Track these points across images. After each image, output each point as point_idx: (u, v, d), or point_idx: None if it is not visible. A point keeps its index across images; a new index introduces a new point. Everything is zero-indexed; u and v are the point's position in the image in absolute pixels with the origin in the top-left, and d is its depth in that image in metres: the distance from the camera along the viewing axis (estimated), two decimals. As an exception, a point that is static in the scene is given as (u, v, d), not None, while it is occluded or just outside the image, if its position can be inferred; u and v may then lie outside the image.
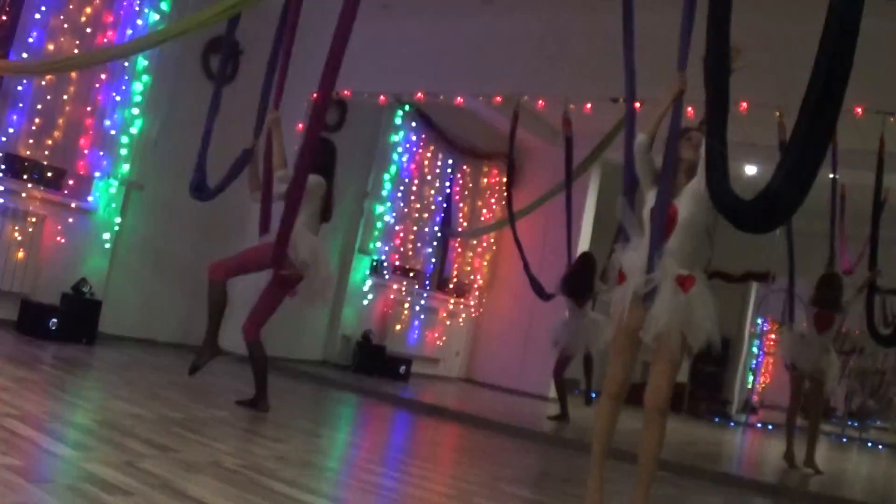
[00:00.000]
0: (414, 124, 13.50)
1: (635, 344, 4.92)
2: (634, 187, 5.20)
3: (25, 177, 9.09)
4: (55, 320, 8.96)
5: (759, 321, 19.43)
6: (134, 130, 9.95)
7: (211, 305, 6.98)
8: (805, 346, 9.06)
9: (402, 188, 13.47)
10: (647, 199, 5.02)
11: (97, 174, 9.71)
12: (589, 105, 10.04)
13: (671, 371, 4.78)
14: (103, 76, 9.63)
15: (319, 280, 6.89)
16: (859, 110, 8.42)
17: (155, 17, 9.96)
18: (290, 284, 6.85)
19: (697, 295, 4.73)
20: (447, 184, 14.51)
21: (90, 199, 9.75)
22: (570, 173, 10.46)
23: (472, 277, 15.16)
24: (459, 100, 11.52)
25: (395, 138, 13.26)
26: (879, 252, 9.47)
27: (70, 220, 9.60)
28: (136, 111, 9.95)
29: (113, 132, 9.76)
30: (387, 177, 13.20)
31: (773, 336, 20.07)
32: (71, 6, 9.27)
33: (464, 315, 15.15)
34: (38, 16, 9.01)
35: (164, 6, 10.03)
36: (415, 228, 13.88)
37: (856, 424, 17.06)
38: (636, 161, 5.07)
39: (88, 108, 9.54)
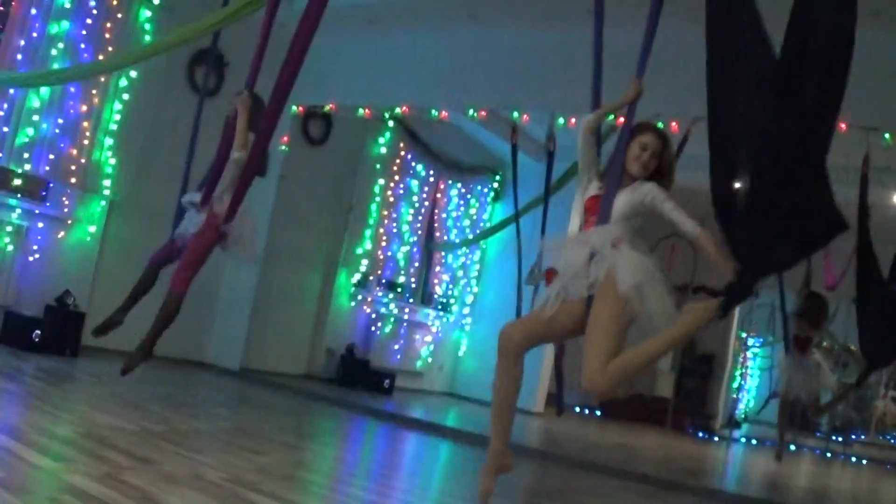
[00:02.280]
0: (398, 138, 13.51)
1: (549, 333, 4.94)
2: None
3: (9, 187, 9.06)
4: (38, 332, 8.93)
5: (743, 336, 19.47)
6: (119, 142, 9.92)
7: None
8: (797, 371, 9.12)
9: (386, 202, 13.47)
10: (584, 186, 5.05)
11: (81, 186, 9.68)
12: (573, 119, 10.05)
13: (605, 327, 4.55)
14: (92, 90, 9.61)
15: (247, 230, 6.74)
16: (843, 126, 8.46)
17: (143, 30, 9.98)
18: (219, 235, 6.64)
19: (629, 250, 4.67)
20: (431, 197, 14.50)
21: (74, 210, 9.72)
22: (548, 189, 10.46)
23: (455, 291, 15.15)
24: (444, 114, 11.53)
25: (380, 151, 13.26)
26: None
27: (54, 231, 9.57)
28: (121, 123, 9.92)
29: (98, 143, 9.73)
30: (371, 190, 13.19)
31: (755, 351, 20.17)
32: (60, 20, 9.26)
33: (448, 329, 15.14)
34: (26, 28, 9.00)
35: (147, 26, 10.05)
36: (399, 242, 13.87)
37: (840, 439, 17.11)
38: (578, 139, 5.06)
39: (73, 120, 9.52)
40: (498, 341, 4.93)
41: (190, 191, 7.07)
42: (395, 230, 13.73)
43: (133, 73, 9.98)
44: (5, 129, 8.97)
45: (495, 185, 15.47)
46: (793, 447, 15.55)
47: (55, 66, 9.18)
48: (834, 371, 10.04)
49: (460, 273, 15.18)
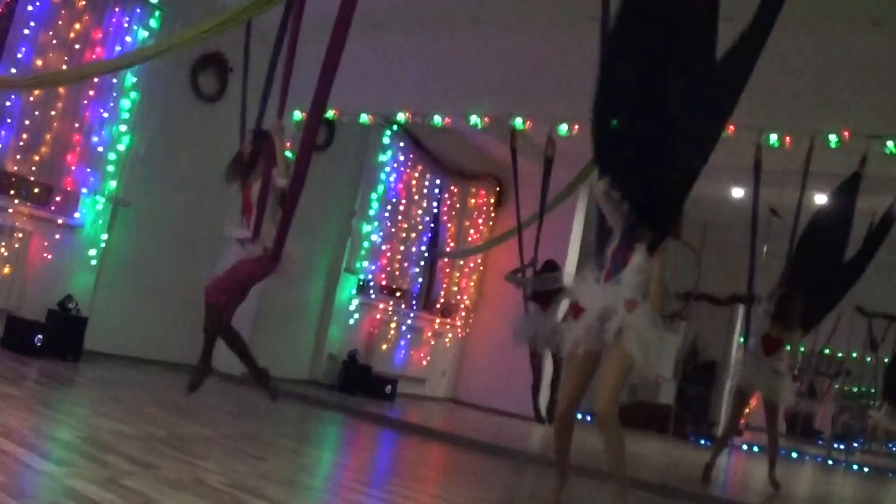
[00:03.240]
0: (402, 144, 13.52)
1: (586, 370, 5.48)
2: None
3: (12, 192, 9.08)
4: (40, 337, 8.94)
5: (745, 343, 19.39)
6: (121, 147, 9.94)
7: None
8: (754, 367, 9.02)
9: (389, 208, 13.47)
10: (614, 236, 5.51)
11: (84, 190, 9.69)
12: (577, 126, 10.05)
13: (612, 383, 5.25)
14: (91, 92, 9.62)
15: (292, 263, 6.83)
16: (846, 134, 8.46)
17: (144, 34, 9.98)
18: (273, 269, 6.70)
19: (643, 315, 5.22)
20: (434, 204, 14.51)
21: (77, 215, 9.72)
22: (545, 195, 10.46)
23: (458, 298, 15.15)
24: (447, 120, 11.53)
25: (383, 158, 13.27)
26: (867, 274, 9.50)
27: (57, 236, 9.58)
28: (123, 128, 9.94)
29: (100, 149, 9.75)
30: (374, 196, 13.20)
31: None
32: (60, 22, 9.28)
33: (450, 335, 15.14)
34: (26, 31, 9.02)
35: (153, 23, 10.05)
36: (402, 248, 13.87)
37: (842, 447, 17.07)
38: (600, 205, 5.64)
39: (76, 125, 9.53)
40: (557, 419, 5.78)
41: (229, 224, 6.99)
42: (397, 236, 13.73)
43: (136, 79, 9.98)
44: (7, 132, 8.97)
45: (498, 190, 15.46)
46: (794, 454, 15.54)
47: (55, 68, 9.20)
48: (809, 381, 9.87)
49: (463, 279, 15.17)
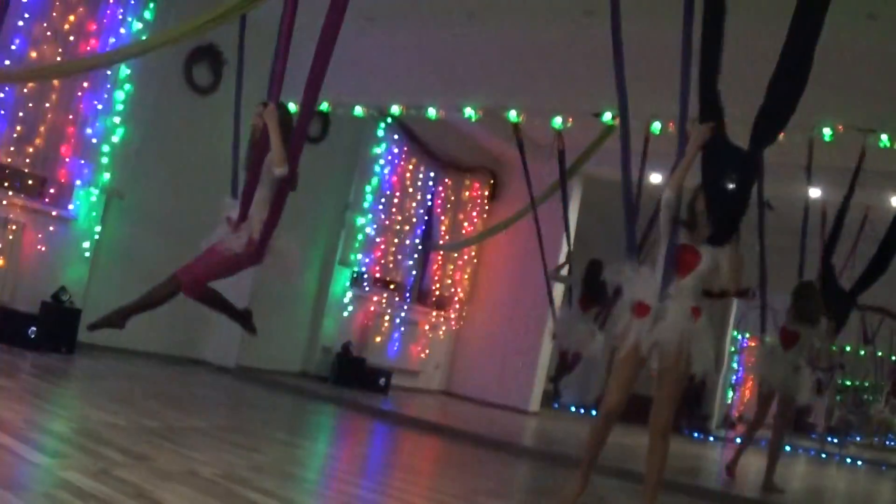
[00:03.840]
0: (396, 136, 13.50)
1: (636, 371, 5.45)
2: (635, 216, 5.64)
3: (6, 184, 9.06)
4: (34, 329, 8.92)
5: (739, 337, 19.48)
6: (115, 139, 9.91)
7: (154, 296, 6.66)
8: (774, 361, 8.95)
9: (383, 200, 13.46)
10: (664, 240, 5.38)
11: (78, 182, 9.67)
12: (571, 119, 10.06)
13: (675, 394, 5.36)
14: (85, 84, 9.59)
15: (291, 254, 6.71)
16: (840, 128, 8.47)
17: (138, 25, 9.95)
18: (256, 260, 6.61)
19: (705, 324, 5.23)
20: (429, 196, 14.49)
21: (71, 207, 9.71)
22: (564, 186, 10.46)
23: (452, 290, 15.14)
24: (442, 112, 11.52)
25: (377, 150, 13.25)
26: (859, 267, 9.54)
27: (50, 228, 9.56)
28: (117, 120, 9.91)
29: (94, 140, 9.72)
30: (368, 189, 13.18)
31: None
32: (54, 14, 9.25)
33: (444, 328, 15.14)
34: (21, 23, 8.98)
35: (147, 15, 10.03)
36: (396, 241, 13.86)
37: (835, 441, 17.12)
38: (661, 214, 5.35)
39: (70, 117, 9.51)
40: (603, 416, 5.59)
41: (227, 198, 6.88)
42: (391, 228, 13.73)
43: (130, 71, 9.96)
44: (1, 124, 8.95)
45: (492, 183, 15.46)
46: (787, 448, 15.56)
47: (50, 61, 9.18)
48: (817, 376, 9.80)
49: (457, 272, 15.18)
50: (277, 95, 6.54)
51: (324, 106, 11.57)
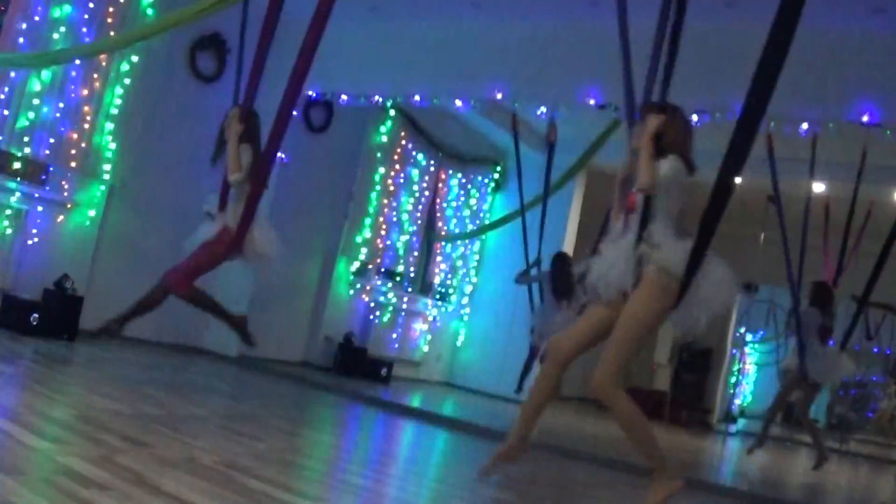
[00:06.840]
0: (400, 127, 13.49)
1: (595, 322, 4.88)
2: None
3: (9, 171, 9.05)
4: (36, 316, 8.93)
5: (741, 331, 19.48)
6: (119, 127, 9.91)
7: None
8: (817, 358, 9.22)
9: (387, 191, 13.46)
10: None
11: (81, 170, 9.67)
12: (571, 110, 10.05)
13: (620, 342, 4.64)
14: (91, 71, 9.59)
15: (269, 244, 6.71)
16: (846, 122, 8.46)
17: (149, 12, 9.95)
18: (232, 251, 6.62)
19: (674, 250, 4.74)
20: (432, 187, 14.49)
21: (74, 195, 9.71)
22: (548, 179, 10.47)
23: (454, 281, 15.15)
24: (446, 103, 11.50)
25: (381, 140, 13.25)
26: (861, 265, 9.57)
27: (53, 215, 9.56)
28: (121, 107, 9.91)
29: (98, 128, 9.72)
30: (372, 179, 13.18)
31: (753, 346, 20.21)
32: (66, 4, 9.23)
33: (446, 319, 15.15)
34: (29, 11, 8.98)
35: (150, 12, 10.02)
36: (399, 231, 13.87)
37: (836, 435, 17.12)
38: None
39: (74, 104, 9.50)
40: (548, 352, 5.01)
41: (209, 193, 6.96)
42: (394, 219, 13.73)
43: (134, 58, 9.95)
44: (6, 112, 8.94)
45: (496, 175, 15.46)
46: (788, 443, 15.58)
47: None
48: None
49: (459, 263, 15.18)
50: (251, 100, 6.59)
51: (328, 96, 11.58)
